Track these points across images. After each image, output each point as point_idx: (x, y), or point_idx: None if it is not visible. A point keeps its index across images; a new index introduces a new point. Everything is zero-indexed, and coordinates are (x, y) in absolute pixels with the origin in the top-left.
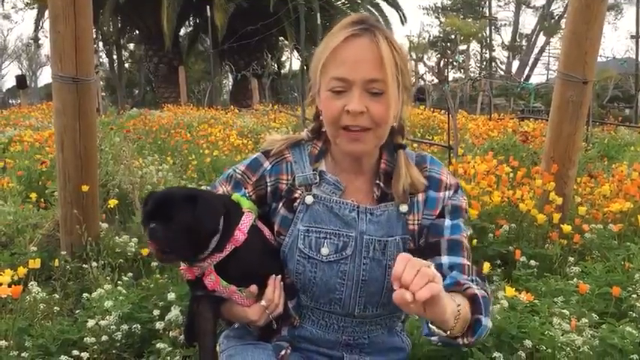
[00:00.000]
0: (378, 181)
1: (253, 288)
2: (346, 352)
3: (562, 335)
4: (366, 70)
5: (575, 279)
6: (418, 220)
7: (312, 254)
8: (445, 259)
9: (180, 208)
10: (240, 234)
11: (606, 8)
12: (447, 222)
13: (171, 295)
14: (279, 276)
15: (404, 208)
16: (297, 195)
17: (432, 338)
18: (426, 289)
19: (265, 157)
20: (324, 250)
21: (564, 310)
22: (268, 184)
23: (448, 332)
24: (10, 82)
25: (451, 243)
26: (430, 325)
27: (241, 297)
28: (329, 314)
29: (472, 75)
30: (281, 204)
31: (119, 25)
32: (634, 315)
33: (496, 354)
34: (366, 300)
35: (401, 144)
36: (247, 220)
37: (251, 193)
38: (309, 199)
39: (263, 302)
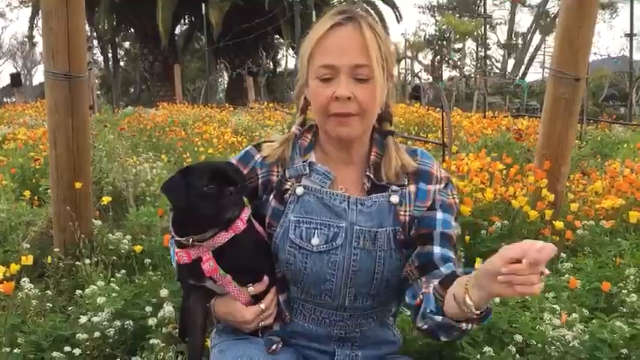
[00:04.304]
0: (368, 173)
1: (251, 289)
2: (338, 346)
3: (552, 330)
4: (351, 56)
5: (566, 275)
6: (409, 211)
7: (302, 244)
8: (437, 249)
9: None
10: (241, 222)
11: (599, 6)
12: (439, 215)
13: (164, 292)
14: (274, 287)
15: (394, 199)
16: (287, 186)
17: (436, 317)
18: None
19: (257, 150)
20: (315, 241)
21: (555, 306)
22: (259, 176)
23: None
24: (4, 80)
25: (443, 235)
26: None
27: (236, 288)
28: (320, 308)
29: (467, 73)
30: (272, 196)
31: (114, 23)
32: (624, 310)
33: (486, 348)
34: (356, 291)
35: (389, 130)
36: (246, 212)
37: None
38: (299, 190)
39: (262, 305)
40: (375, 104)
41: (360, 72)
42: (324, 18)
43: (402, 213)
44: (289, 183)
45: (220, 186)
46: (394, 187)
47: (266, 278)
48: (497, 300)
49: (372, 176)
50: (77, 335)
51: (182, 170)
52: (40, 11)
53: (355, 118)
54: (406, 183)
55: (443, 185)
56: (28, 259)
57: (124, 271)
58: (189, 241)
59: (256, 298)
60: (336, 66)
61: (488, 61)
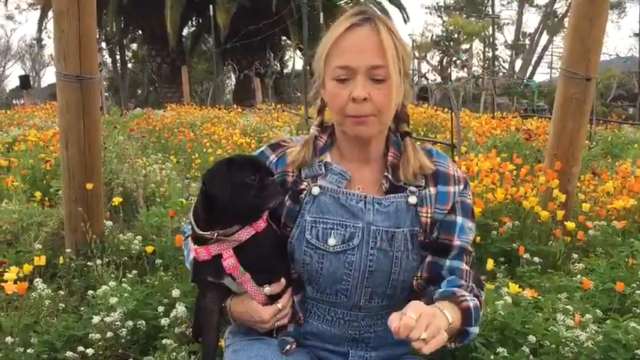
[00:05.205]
0: (386, 174)
1: (267, 289)
2: (352, 347)
3: (566, 331)
4: (368, 57)
5: (578, 275)
6: (431, 213)
7: (319, 245)
8: (447, 262)
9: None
10: (262, 220)
11: (609, 5)
12: (459, 220)
13: (175, 292)
14: (290, 288)
15: (412, 200)
16: (303, 187)
17: None
18: (435, 342)
19: (271, 150)
20: (331, 241)
21: (568, 306)
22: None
23: None
24: (13, 82)
25: (458, 249)
26: None
27: (254, 287)
28: (334, 308)
29: (475, 73)
30: (287, 196)
31: (122, 25)
32: (638, 311)
33: (500, 349)
34: (372, 291)
35: (407, 131)
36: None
37: None
38: (315, 190)
39: (279, 305)
40: (390, 104)
41: (376, 73)
42: (341, 19)
43: (423, 214)
44: (305, 183)
45: (262, 176)
46: (412, 188)
47: (283, 280)
48: (509, 301)
49: (390, 177)
50: (90, 335)
51: (223, 162)
52: (48, 14)
53: (372, 118)
54: (424, 184)
55: (462, 186)
56: (40, 260)
57: (135, 271)
58: (214, 236)
59: (271, 299)
60: (352, 67)
61: (495, 62)
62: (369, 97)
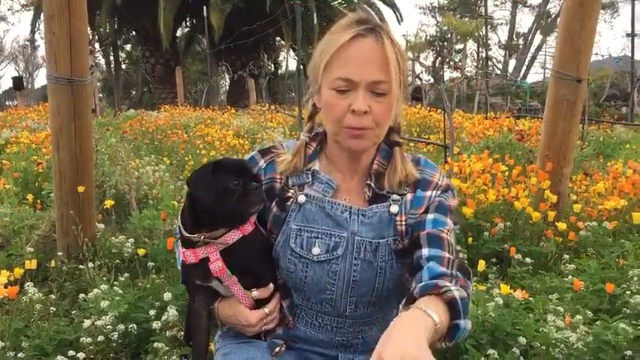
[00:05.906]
0: (369, 182)
1: (255, 293)
2: (341, 351)
3: (556, 332)
4: (371, 72)
5: (569, 276)
6: (405, 220)
7: (303, 253)
8: (425, 251)
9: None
10: (249, 224)
11: (600, 7)
12: (430, 216)
13: (167, 295)
14: (278, 292)
15: (394, 209)
16: (290, 194)
17: None
18: None
19: (261, 155)
20: (315, 250)
21: (559, 307)
22: (263, 182)
23: None
24: (6, 83)
25: (430, 236)
26: None
27: (241, 291)
28: (321, 315)
29: (468, 74)
30: (274, 203)
31: (116, 26)
32: (628, 311)
33: (490, 351)
34: (357, 300)
35: (397, 141)
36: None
37: None
38: (301, 199)
39: (266, 309)
40: (389, 118)
41: (378, 87)
42: (344, 26)
43: (398, 222)
44: (291, 191)
45: (246, 182)
46: (394, 197)
47: (271, 284)
48: (500, 302)
49: (372, 185)
50: (81, 339)
51: (209, 165)
52: (41, 15)
53: (369, 131)
54: (406, 192)
55: (440, 191)
56: (31, 264)
57: (127, 274)
58: (201, 238)
59: (259, 304)
60: (354, 80)
61: (489, 62)
62: (369, 110)
